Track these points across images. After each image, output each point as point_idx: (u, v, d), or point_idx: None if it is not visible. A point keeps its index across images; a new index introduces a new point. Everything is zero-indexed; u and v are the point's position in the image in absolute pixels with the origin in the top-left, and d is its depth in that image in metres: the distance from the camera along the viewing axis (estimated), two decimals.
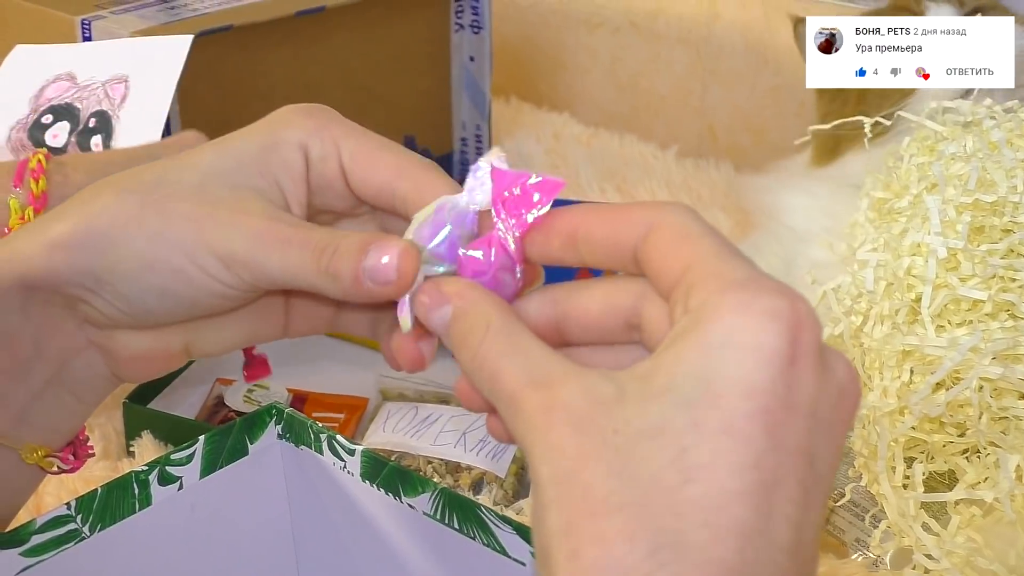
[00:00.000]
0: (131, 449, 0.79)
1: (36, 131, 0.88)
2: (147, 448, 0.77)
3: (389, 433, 0.79)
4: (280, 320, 0.48)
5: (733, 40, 1.30)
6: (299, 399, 0.85)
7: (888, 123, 0.85)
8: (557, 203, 0.40)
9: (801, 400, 0.35)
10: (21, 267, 0.42)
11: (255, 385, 0.85)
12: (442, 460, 0.77)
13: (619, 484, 0.33)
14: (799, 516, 0.34)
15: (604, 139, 1.36)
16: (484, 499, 0.73)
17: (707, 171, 1.28)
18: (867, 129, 0.84)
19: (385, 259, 0.40)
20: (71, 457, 0.47)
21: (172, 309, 0.44)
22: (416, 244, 0.40)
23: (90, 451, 0.49)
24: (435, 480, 0.75)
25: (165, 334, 0.45)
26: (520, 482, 0.77)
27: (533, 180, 0.39)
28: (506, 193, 0.39)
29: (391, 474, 0.51)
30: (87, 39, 0.94)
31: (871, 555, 0.69)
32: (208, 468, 0.54)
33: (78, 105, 0.88)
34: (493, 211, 0.40)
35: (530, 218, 0.39)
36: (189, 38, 0.86)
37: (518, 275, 0.40)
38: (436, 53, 1.18)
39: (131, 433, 0.80)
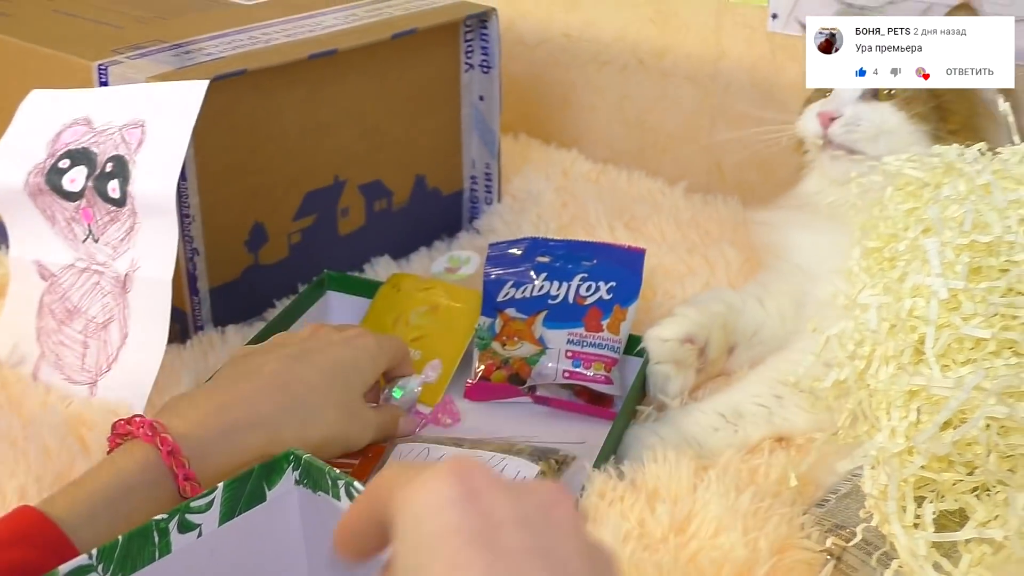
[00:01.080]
0: None
1: (53, 176, 0.90)
2: None
3: None
4: None
5: (740, 78, 1.32)
6: None
7: None
8: None
9: (504, 516, 0.40)
10: None
11: None
12: None
13: None
14: None
15: (612, 176, 1.37)
16: None
17: (715, 207, 1.29)
18: None
19: None
20: None
21: None
22: None
23: None
24: None
25: None
26: None
27: None
28: None
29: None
30: (104, 84, 0.96)
31: None
32: (227, 515, 0.55)
33: (95, 150, 0.90)
34: None
35: None
36: (205, 83, 0.88)
37: None
38: (446, 93, 1.19)
39: None
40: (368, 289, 1.05)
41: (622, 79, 1.43)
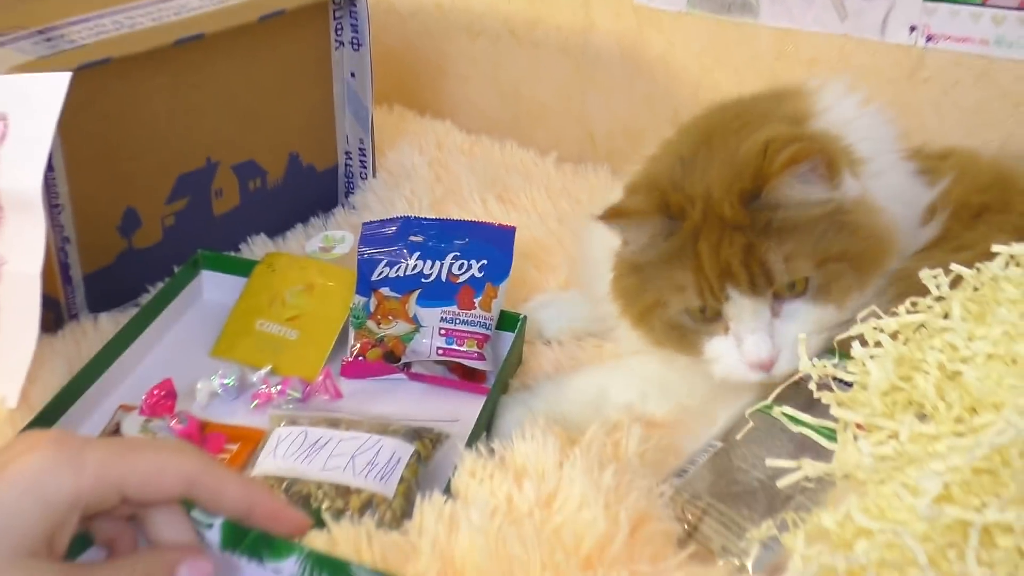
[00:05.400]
0: None
1: None
2: None
3: (279, 459, 0.82)
4: None
5: (609, 49, 1.35)
6: (198, 427, 0.87)
7: None
8: None
9: None
10: None
11: (152, 416, 0.88)
12: (332, 484, 0.80)
13: None
14: None
15: (486, 146, 1.39)
16: (372, 521, 0.76)
17: (586, 176, 1.32)
18: None
19: None
20: None
21: None
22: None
23: None
24: (325, 504, 0.78)
25: None
26: (408, 502, 0.80)
27: None
28: None
29: (254, 541, 0.52)
30: None
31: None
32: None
33: None
34: None
35: None
36: (68, 75, 0.87)
37: None
38: (317, 71, 1.20)
39: None
40: (243, 268, 1.06)
41: (495, 49, 1.44)
